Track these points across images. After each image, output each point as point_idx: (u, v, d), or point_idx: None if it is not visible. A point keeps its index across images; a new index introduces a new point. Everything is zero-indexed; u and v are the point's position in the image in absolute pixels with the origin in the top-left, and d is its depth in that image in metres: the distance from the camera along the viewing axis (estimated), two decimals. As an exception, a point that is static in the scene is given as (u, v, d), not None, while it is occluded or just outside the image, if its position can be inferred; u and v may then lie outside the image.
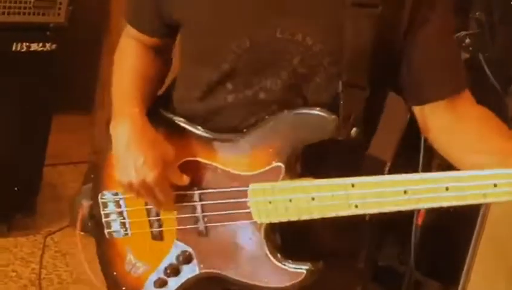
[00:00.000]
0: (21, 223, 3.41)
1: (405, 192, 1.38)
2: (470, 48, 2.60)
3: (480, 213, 2.34)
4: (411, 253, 2.55)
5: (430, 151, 2.26)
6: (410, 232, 2.56)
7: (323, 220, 1.48)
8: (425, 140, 1.78)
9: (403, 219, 2.47)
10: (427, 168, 2.41)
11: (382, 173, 1.60)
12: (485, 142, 1.52)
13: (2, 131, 3.22)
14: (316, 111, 1.50)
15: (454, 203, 1.36)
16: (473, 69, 2.59)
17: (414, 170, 2.40)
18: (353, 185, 1.43)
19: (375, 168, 1.58)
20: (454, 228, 1.90)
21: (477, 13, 2.55)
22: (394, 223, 2.50)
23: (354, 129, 1.50)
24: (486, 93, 2.68)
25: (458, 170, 1.49)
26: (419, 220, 2.47)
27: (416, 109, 1.58)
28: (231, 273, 1.57)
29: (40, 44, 3.16)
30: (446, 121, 1.55)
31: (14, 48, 3.09)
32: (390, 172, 2.28)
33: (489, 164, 1.41)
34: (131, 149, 1.55)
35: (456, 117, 1.54)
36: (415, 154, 2.38)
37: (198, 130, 1.60)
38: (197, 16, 1.57)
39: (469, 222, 2.39)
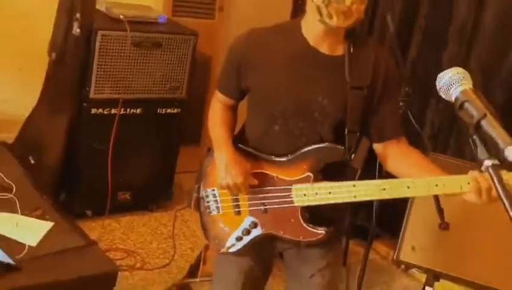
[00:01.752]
0: (163, 204, 4.02)
1: (383, 189, 1.61)
2: (402, 108, 2.90)
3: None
4: (373, 216, 2.87)
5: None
6: (372, 203, 2.89)
7: (331, 203, 1.70)
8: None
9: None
10: (380, 173, 2.47)
11: (355, 177, 1.93)
12: (413, 163, 1.75)
13: (152, 156, 3.84)
14: (333, 145, 1.71)
15: (409, 196, 1.63)
16: (404, 120, 2.81)
17: (373, 174, 2.57)
18: (354, 185, 1.65)
19: (351, 173, 1.83)
20: (398, 200, 1.86)
21: (406, 88, 2.93)
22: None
23: (353, 155, 1.72)
24: (412, 135, 2.50)
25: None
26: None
27: (376, 145, 1.82)
28: (280, 233, 1.81)
29: (172, 109, 3.80)
30: (394, 153, 1.79)
31: (158, 111, 3.77)
32: (360, 176, 2.30)
33: (415, 175, 1.68)
34: (228, 166, 1.77)
35: (399, 151, 1.79)
36: (373, 163, 2.39)
37: (261, 155, 1.81)
38: (261, 87, 1.77)
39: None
